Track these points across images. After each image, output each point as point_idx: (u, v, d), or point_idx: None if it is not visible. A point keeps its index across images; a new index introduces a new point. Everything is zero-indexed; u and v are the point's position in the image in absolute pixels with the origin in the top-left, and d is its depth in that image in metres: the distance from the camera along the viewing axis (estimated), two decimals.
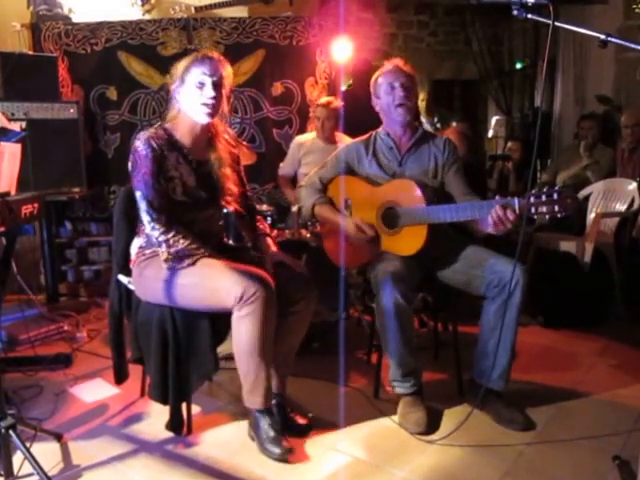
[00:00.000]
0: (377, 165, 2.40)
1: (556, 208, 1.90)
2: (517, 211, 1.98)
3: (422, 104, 5.34)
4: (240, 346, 1.95)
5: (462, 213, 2.12)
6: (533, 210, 1.93)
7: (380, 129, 2.46)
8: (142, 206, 1.99)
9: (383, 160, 2.41)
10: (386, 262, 2.23)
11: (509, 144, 4.97)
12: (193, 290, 1.96)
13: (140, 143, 2.00)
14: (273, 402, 2.09)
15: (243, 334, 1.92)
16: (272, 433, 2.00)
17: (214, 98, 2.03)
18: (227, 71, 2.08)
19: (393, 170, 2.39)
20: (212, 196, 2.13)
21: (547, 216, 1.93)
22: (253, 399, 2.01)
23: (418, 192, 2.21)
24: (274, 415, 2.05)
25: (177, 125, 2.11)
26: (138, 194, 2.00)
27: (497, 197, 2.05)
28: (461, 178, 2.38)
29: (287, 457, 1.97)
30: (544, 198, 1.92)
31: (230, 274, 1.91)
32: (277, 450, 1.98)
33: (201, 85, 2.02)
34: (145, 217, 1.99)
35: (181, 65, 2.07)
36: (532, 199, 1.93)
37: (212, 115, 2.05)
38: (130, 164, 2.04)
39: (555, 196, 1.90)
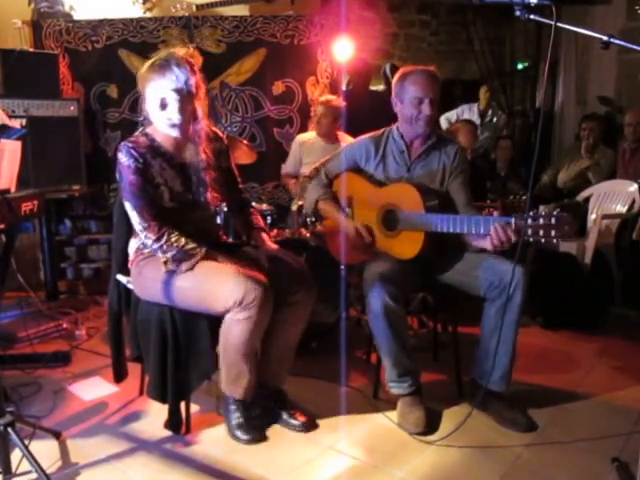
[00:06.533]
0: (383, 168, 2.37)
1: (553, 233, 1.85)
2: (514, 228, 1.97)
3: (487, 94, 5.33)
4: (229, 344, 1.97)
5: (459, 226, 2.09)
6: (530, 232, 1.89)
7: (394, 127, 2.40)
8: (133, 216, 1.99)
9: (391, 163, 2.37)
10: (377, 263, 2.23)
11: (500, 142, 4.90)
12: (192, 292, 1.96)
13: (122, 155, 1.97)
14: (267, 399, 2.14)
15: (235, 335, 1.94)
16: (242, 420, 2.06)
17: (182, 114, 1.96)
18: (194, 72, 1.97)
19: (400, 175, 2.36)
20: (201, 197, 2.11)
21: (543, 239, 1.88)
22: (234, 388, 2.06)
23: (418, 198, 2.19)
24: (248, 408, 2.10)
25: (156, 130, 2.06)
26: (127, 205, 2.00)
27: (495, 214, 2.03)
28: (464, 190, 2.34)
29: (254, 443, 2.05)
30: (542, 222, 1.87)
31: (230, 278, 1.91)
32: (245, 436, 2.06)
33: (164, 102, 1.94)
34: (137, 227, 2.00)
35: (141, 74, 1.97)
36: (530, 221, 1.89)
37: (183, 128, 2.00)
38: (117, 175, 2.02)
39: (553, 221, 1.85)
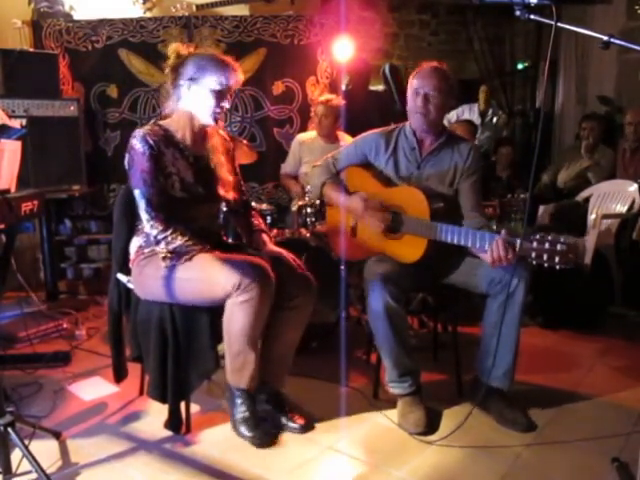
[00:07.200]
0: (394, 164, 2.35)
1: (557, 259, 1.83)
2: (517, 251, 1.95)
3: (485, 94, 5.34)
4: (232, 330, 1.96)
5: (464, 239, 2.08)
6: (533, 255, 1.88)
7: (407, 124, 2.38)
8: (141, 204, 1.99)
9: (402, 160, 2.36)
10: (378, 263, 2.23)
11: (499, 149, 4.90)
12: (192, 283, 1.96)
13: (137, 141, 1.99)
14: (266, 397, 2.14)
15: (237, 320, 1.93)
16: (247, 414, 2.05)
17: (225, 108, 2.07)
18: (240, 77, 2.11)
19: (410, 172, 2.34)
20: (210, 191, 2.13)
21: (546, 264, 1.87)
22: (239, 378, 2.05)
23: (425, 205, 2.17)
24: (254, 399, 2.09)
25: (173, 121, 2.11)
26: (137, 192, 2.00)
27: (503, 231, 2.01)
28: (475, 192, 2.30)
29: (258, 442, 2.03)
30: (547, 246, 1.85)
31: (228, 264, 1.92)
32: (248, 433, 2.04)
33: (218, 94, 2.02)
34: (144, 215, 1.99)
35: (193, 61, 2.03)
36: (535, 244, 1.87)
37: (218, 121, 2.09)
38: (127, 162, 2.03)
39: (558, 247, 1.83)
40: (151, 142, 1.99)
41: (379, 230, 2.30)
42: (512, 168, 4.58)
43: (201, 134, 2.15)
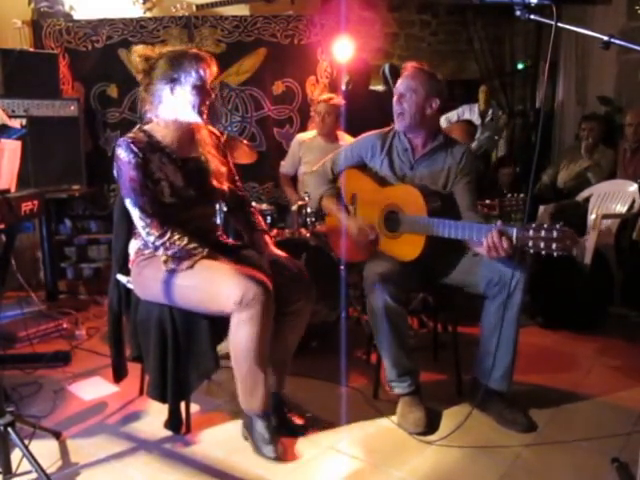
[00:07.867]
0: (388, 165, 2.37)
1: (554, 246, 1.82)
2: (514, 241, 1.94)
3: (485, 94, 5.30)
4: (238, 349, 1.93)
5: (461, 232, 2.08)
6: (530, 243, 1.87)
7: None
8: (134, 213, 1.97)
9: (396, 160, 2.37)
10: (378, 263, 2.23)
11: (500, 170, 4.89)
12: (192, 292, 1.94)
13: (122, 150, 1.95)
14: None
15: (241, 338, 1.91)
16: (267, 435, 2.00)
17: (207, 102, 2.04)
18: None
19: (404, 172, 2.35)
20: (202, 193, 2.09)
21: (543, 252, 1.86)
22: (251, 402, 2.00)
23: (422, 203, 2.18)
24: (271, 418, 2.04)
25: (157, 125, 2.07)
26: (128, 202, 1.97)
27: (499, 222, 2.00)
28: (470, 192, 2.31)
29: (281, 458, 1.98)
30: (544, 234, 1.84)
31: (229, 277, 1.90)
32: (271, 453, 1.98)
33: (201, 89, 1.99)
34: (139, 223, 1.97)
35: (168, 61, 1.99)
36: (531, 232, 1.87)
37: (204, 115, 2.05)
38: (115, 172, 2.00)
39: (555, 234, 1.82)
40: (136, 150, 1.95)
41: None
42: (513, 185, 4.60)
43: (188, 134, 2.11)
